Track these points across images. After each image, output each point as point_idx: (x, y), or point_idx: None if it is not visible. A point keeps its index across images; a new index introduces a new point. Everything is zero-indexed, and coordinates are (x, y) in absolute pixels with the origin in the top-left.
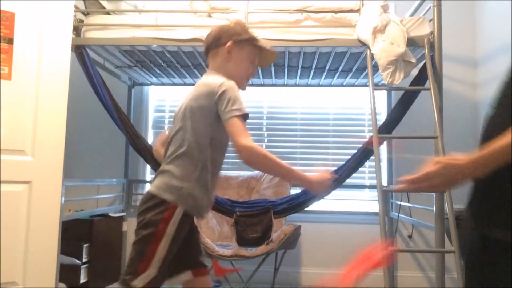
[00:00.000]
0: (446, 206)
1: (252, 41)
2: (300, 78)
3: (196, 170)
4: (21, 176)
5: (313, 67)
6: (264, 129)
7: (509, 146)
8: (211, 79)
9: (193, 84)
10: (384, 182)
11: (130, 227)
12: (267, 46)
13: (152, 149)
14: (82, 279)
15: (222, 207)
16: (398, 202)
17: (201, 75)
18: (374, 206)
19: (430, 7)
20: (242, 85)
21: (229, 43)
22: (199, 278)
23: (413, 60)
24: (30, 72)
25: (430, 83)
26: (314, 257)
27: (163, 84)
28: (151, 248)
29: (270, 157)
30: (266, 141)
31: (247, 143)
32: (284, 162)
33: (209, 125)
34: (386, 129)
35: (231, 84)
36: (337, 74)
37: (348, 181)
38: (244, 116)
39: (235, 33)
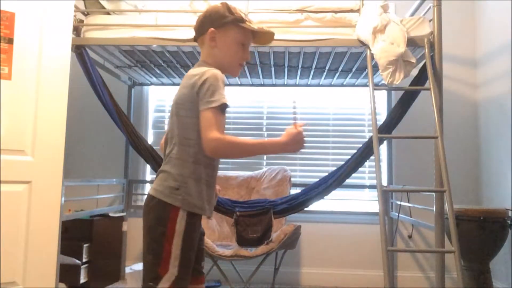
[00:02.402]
0: (446, 206)
1: (236, 23)
2: (300, 78)
3: (190, 165)
4: (21, 176)
5: (313, 67)
6: (264, 129)
7: None
8: (195, 71)
9: None
10: (384, 182)
11: (130, 227)
12: (255, 26)
13: (152, 148)
14: (82, 279)
15: (222, 207)
16: (398, 202)
17: None
18: (374, 206)
19: (430, 7)
20: (233, 71)
21: (210, 30)
22: (196, 287)
23: (413, 60)
24: (30, 72)
25: (430, 83)
26: (314, 257)
27: (163, 84)
28: (165, 248)
29: (237, 143)
30: None
31: (213, 135)
32: (252, 139)
33: (195, 118)
34: (386, 129)
35: (213, 72)
36: (337, 74)
37: (348, 181)
38: (222, 107)
39: (217, 18)
